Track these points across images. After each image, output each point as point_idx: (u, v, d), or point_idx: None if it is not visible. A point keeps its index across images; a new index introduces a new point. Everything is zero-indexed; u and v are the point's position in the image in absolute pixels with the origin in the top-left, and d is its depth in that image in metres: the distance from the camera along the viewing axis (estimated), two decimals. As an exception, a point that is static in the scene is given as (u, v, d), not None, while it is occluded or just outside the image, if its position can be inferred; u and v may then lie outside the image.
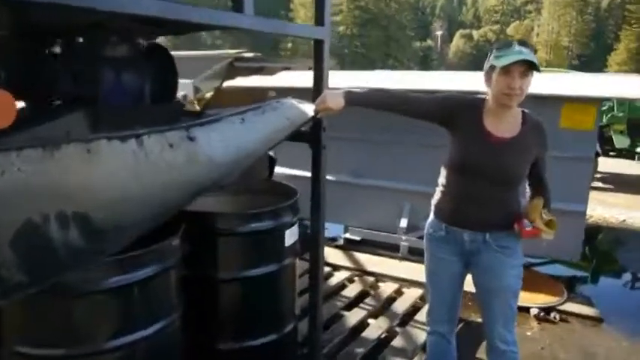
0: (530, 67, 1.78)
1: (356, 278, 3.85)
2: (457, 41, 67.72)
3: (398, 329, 3.09)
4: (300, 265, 3.99)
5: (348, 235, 4.74)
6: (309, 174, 2.27)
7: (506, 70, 1.80)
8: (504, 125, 1.92)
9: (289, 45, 49.11)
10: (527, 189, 2.05)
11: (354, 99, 1.93)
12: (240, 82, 4.22)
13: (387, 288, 3.66)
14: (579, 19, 57.85)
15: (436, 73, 7.77)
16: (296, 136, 2.46)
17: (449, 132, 2.01)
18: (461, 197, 1.98)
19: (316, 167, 2.26)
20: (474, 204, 1.95)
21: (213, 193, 2.39)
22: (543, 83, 3.54)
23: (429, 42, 67.25)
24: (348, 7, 53.03)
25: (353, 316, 3.18)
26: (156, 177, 1.66)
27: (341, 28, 52.20)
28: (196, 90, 3.84)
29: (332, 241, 4.79)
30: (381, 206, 4.53)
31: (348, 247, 4.57)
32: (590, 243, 5.21)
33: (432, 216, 2.13)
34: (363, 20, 53.74)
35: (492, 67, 1.86)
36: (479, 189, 1.92)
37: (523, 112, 1.96)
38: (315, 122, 2.22)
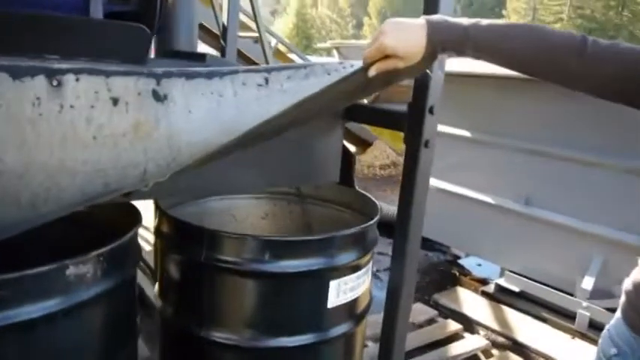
0: None
1: (496, 352, 2.65)
2: None
3: None
4: (419, 309, 2.95)
5: (502, 282, 3.48)
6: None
7: None
8: None
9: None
10: None
11: (455, 36, 0.84)
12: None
13: (539, 380, 2.41)
14: None
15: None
16: (383, 120, 1.48)
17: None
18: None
19: (411, 172, 1.26)
20: None
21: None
22: None
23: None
24: (569, 15, 47.72)
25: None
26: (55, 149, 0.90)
27: (558, 38, 47.34)
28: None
29: (481, 284, 3.62)
30: (556, 251, 3.22)
31: (500, 297, 3.34)
32: None
33: (617, 312, 0.99)
34: (587, 30, 47.74)
35: None
36: None
37: None
38: (418, 97, 1.22)
